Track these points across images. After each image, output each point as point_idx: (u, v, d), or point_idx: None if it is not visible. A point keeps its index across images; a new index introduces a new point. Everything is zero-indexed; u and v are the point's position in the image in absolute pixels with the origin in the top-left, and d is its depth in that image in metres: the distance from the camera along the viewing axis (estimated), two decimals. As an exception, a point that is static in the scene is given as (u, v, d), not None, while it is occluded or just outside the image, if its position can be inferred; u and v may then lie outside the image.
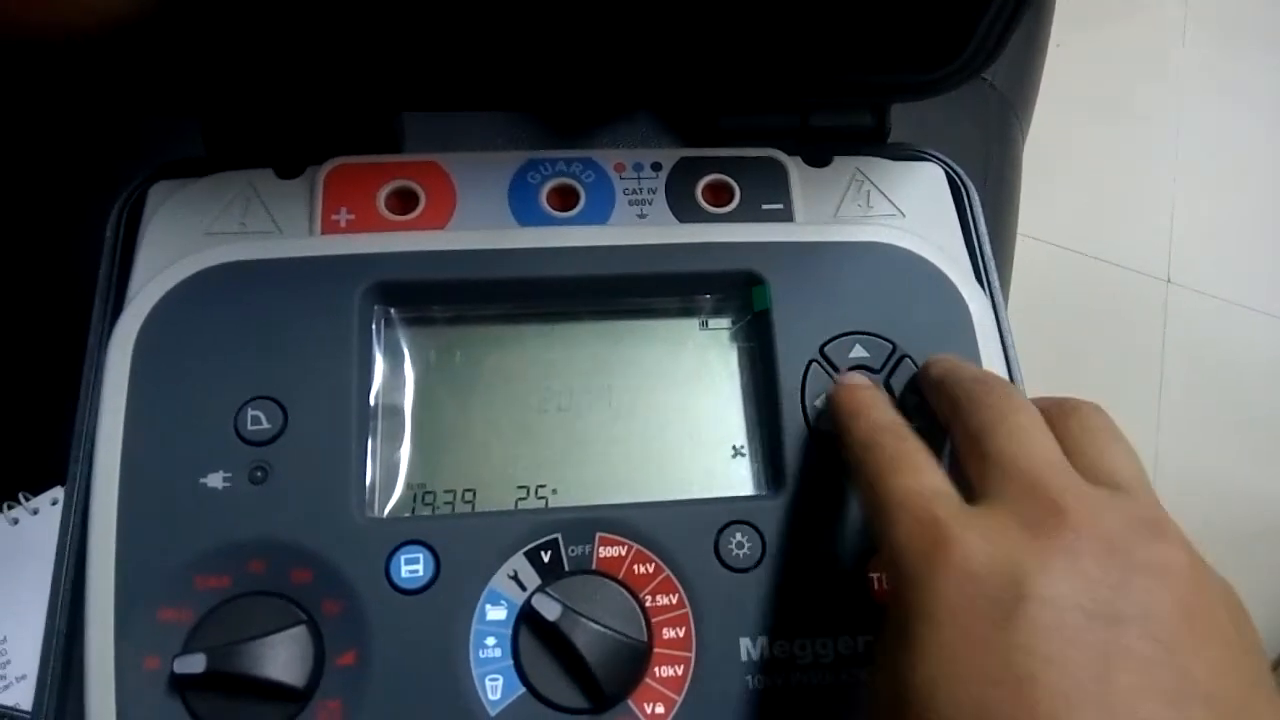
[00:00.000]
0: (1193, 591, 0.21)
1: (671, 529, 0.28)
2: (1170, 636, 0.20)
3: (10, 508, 0.44)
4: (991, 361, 0.32)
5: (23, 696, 0.41)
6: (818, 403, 0.30)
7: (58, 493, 0.44)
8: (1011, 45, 0.32)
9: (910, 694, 0.20)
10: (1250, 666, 0.20)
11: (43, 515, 0.44)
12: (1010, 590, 0.20)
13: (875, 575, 0.29)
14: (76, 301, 0.32)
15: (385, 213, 0.32)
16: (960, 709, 0.19)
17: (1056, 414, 0.25)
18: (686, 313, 0.33)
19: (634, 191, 0.33)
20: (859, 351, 0.31)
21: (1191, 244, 1.30)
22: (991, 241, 0.36)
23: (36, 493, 0.45)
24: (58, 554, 0.28)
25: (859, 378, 0.30)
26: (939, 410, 0.28)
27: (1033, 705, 0.19)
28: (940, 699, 0.20)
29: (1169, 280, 1.28)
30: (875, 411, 0.28)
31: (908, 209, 0.34)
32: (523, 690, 0.27)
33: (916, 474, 0.24)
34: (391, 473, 0.30)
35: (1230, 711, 0.19)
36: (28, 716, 0.28)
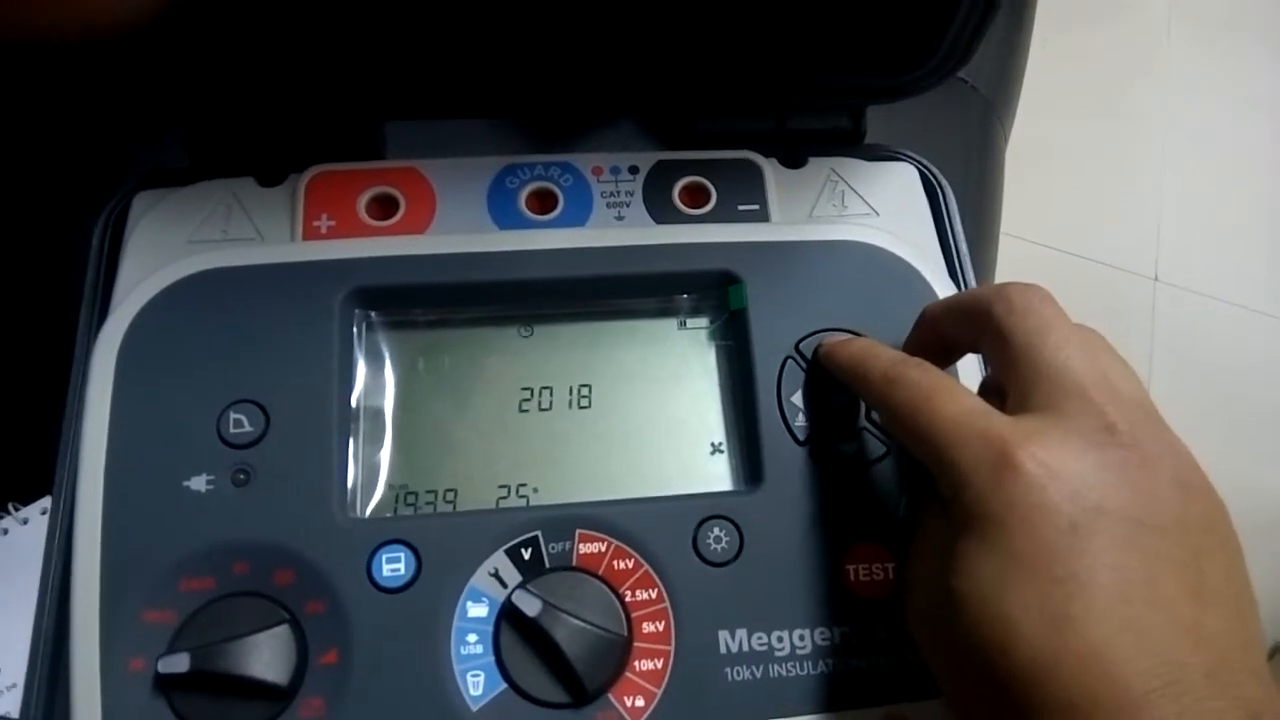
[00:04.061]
0: (1209, 505, 0.23)
1: (650, 525, 0.29)
2: (1197, 545, 0.22)
3: (0, 518, 0.44)
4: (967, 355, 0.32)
5: (13, 705, 0.41)
6: (794, 399, 0.31)
7: (47, 502, 0.44)
8: (992, 46, 0.33)
9: (974, 591, 0.23)
10: (1242, 569, 0.23)
11: (32, 525, 0.44)
12: (1075, 501, 0.22)
13: (851, 567, 0.29)
14: (65, 312, 0.32)
15: (366, 218, 0.32)
16: (1025, 604, 0.22)
17: None
18: (664, 313, 0.33)
19: (611, 194, 0.34)
20: (834, 348, 0.31)
21: (1179, 242, 1.30)
22: (972, 241, 0.36)
23: (26, 503, 0.45)
24: (45, 559, 0.28)
25: (841, 335, 0.31)
26: (954, 326, 0.29)
27: (1090, 602, 0.21)
28: (1008, 596, 0.22)
29: (1156, 279, 1.28)
30: (883, 351, 0.29)
31: (882, 208, 0.35)
32: (504, 686, 0.27)
33: (957, 397, 0.25)
34: (373, 474, 0.30)
35: (1230, 607, 0.22)
36: (18, 724, 0.28)
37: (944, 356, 0.30)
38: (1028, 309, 0.26)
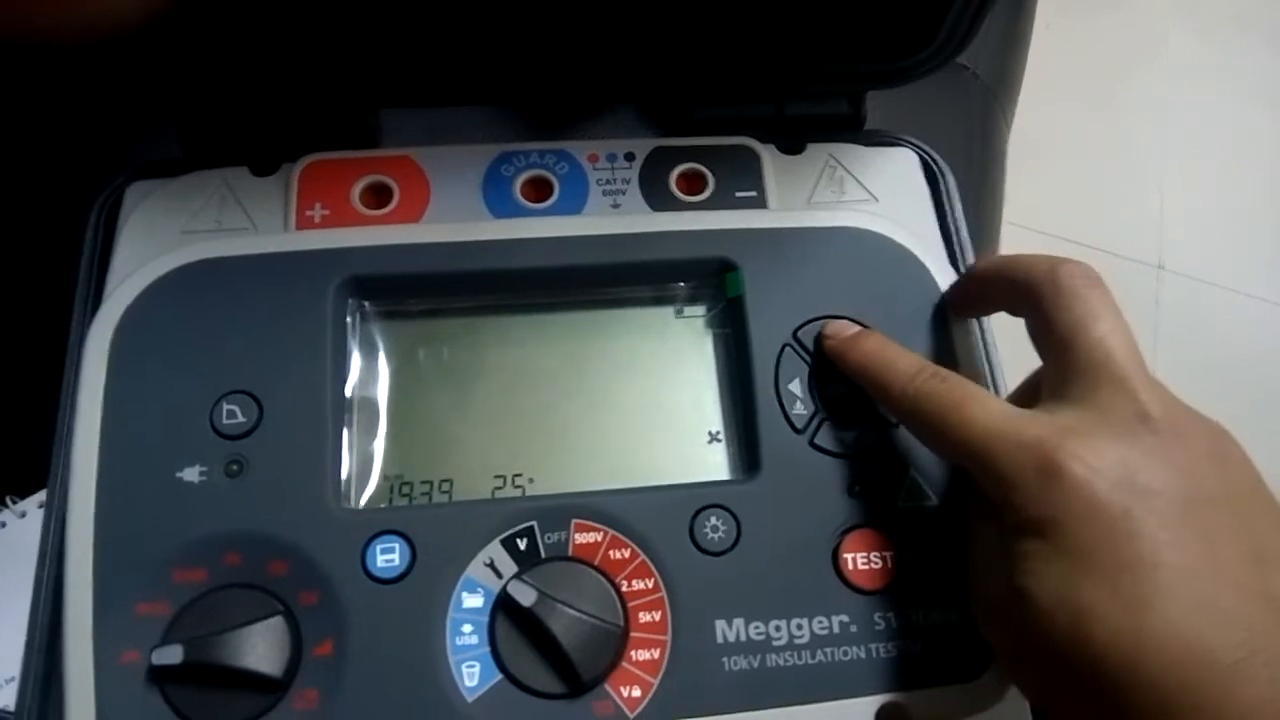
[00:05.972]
0: (1248, 472, 0.24)
1: (647, 514, 0.29)
2: (1246, 511, 0.23)
3: (-2, 511, 0.44)
4: (966, 345, 0.32)
5: (12, 699, 0.41)
6: (792, 387, 0.31)
7: (45, 496, 0.44)
8: (993, 33, 0.32)
9: (1044, 588, 0.23)
10: None
11: (30, 518, 0.44)
12: (1122, 489, 0.23)
13: (849, 556, 0.29)
14: (61, 304, 0.32)
15: (359, 207, 0.32)
16: (1098, 595, 0.22)
17: None
18: (661, 301, 0.33)
19: (608, 182, 0.33)
20: (832, 335, 0.31)
21: (1183, 230, 1.30)
22: (973, 228, 0.36)
23: (24, 496, 0.45)
24: (40, 551, 0.28)
25: (847, 325, 0.31)
26: (1000, 294, 0.29)
27: (1159, 582, 0.22)
28: (1080, 589, 0.22)
29: (1160, 266, 1.28)
30: (899, 357, 0.29)
31: (881, 194, 0.35)
32: (500, 677, 0.27)
33: (987, 405, 0.26)
34: (367, 464, 0.30)
35: None
36: (16, 718, 0.28)
37: (985, 311, 0.31)
38: (1075, 294, 0.26)
